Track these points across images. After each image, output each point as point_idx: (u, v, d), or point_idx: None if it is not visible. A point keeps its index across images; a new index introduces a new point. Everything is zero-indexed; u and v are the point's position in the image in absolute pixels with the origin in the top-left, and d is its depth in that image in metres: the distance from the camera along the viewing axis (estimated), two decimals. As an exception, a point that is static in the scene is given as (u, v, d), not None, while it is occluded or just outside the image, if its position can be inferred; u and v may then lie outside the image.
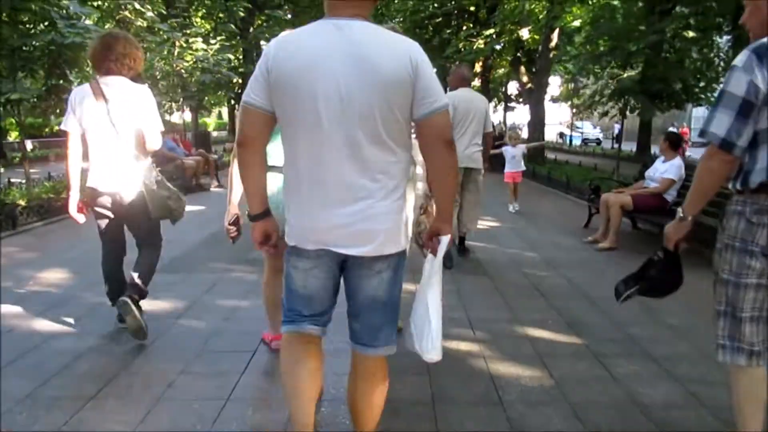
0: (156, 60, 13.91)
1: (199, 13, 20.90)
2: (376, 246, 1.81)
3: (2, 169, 12.91)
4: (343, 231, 1.79)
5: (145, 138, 3.32)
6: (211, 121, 50.99)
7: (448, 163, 1.84)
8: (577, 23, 15.26)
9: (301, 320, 1.95)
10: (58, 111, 8.86)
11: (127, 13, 14.37)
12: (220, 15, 19.74)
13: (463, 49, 24.35)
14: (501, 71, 25.09)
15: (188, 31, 13.62)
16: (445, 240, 1.92)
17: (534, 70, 18.47)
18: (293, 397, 2.01)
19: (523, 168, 9.38)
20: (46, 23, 7.77)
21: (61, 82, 8.38)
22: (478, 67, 29.82)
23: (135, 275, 3.44)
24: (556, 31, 15.77)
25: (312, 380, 2.01)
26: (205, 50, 13.82)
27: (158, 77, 14.24)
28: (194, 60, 13.70)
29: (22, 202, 8.01)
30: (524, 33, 17.14)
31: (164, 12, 14.60)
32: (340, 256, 1.85)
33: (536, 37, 17.61)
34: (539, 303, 4.40)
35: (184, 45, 13.55)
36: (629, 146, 22.15)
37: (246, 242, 2.56)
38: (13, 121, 19.47)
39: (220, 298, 4.36)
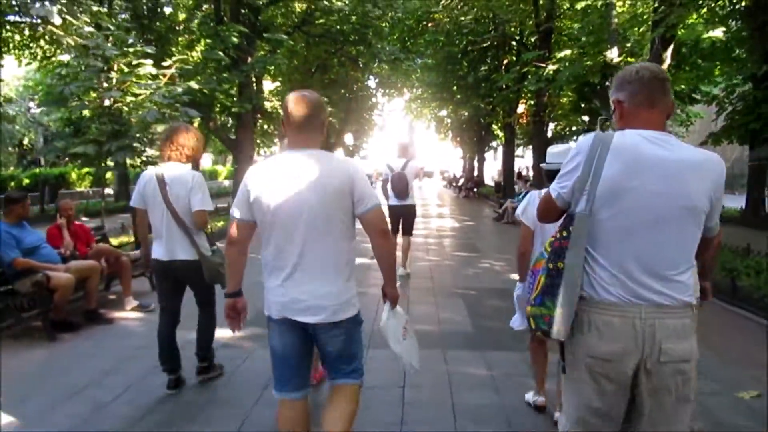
0: (83, 93, 9.36)
1: (181, 40, 16.57)
2: (327, 315, 2.45)
3: None
4: (300, 305, 2.43)
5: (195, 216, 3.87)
6: (223, 169, 46.87)
7: (384, 246, 2.52)
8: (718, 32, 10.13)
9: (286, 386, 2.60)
10: None
11: (51, 27, 9.99)
12: (208, 41, 15.32)
13: (506, 85, 19.84)
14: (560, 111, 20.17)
15: (129, 50, 8.99)
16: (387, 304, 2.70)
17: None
18: None
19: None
20: None
21: None
22: (522, 108, 25.18)
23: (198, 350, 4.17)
24: (670, 48, 10.72)
25: None
26: (155, 76, 9.16)
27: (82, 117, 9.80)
28: (146, 94, 9.08)
29: None
30: (613, 53, 12.22)
31: (108, 27, 10.10)
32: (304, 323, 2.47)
33: (630, 60, 12.69)
34: None
35: (126, 69, 8.97)
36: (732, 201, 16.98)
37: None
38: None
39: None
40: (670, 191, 1.91)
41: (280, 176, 2.42)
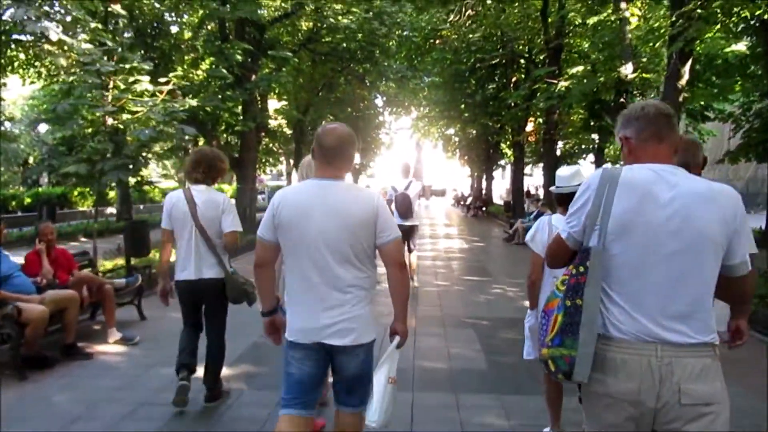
0: (87, 111, 9.00)
1: (186, 58, 16.33)
2: (354, 337, 2.52)
3: None
4: (328, 329, 2.50)
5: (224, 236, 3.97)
6: (229, 188, 46.62)
7: (399, 278, 2.60)
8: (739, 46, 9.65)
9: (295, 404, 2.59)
10: None
11: (48, 46, 9.72)
12: (211, 59, 15.05)
13: (515, 103, 19.47)
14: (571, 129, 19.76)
15: (126, 66, 8.66)
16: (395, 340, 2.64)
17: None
18: None
19: None
20: None
21: None
22: (531, 126, 24.75)
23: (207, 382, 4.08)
24: (688, 63, 10.24)
25: None
26: (152, 93, 8.82)
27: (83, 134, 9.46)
28: (143, 111, 8.71)
29: None
30: (627, 69, 11.78)
31: (105, 45, 9.80)
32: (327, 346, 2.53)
33: (646, 76, 12.25)
34: None
35: (123, 86, 8.62)
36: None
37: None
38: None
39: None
40: (681, 224, 1.87)
41: (307, 204, 2.52)
